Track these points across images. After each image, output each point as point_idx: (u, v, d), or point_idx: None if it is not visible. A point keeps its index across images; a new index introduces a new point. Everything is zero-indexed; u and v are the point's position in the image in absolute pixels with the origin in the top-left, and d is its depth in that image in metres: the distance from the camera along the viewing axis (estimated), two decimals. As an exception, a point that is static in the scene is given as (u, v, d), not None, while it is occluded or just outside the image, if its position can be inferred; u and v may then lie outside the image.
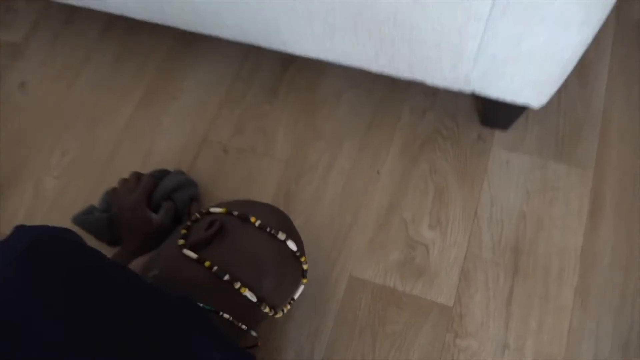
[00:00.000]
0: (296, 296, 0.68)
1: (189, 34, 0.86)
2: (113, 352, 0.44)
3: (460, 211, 0.84)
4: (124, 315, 0.46)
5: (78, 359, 0.42)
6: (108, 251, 0.72)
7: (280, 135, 0.92)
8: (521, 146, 0.88)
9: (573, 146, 0.88)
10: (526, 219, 0.83)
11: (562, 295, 0.78)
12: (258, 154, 0.90)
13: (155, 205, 0.78)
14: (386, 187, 0.87)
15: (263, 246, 0.62)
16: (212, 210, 0.66)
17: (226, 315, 0.57)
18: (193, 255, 0.59)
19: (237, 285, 0.58)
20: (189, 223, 0.65)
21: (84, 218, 0.77)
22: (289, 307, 0.67)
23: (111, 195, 0.80)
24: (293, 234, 0.66)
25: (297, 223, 0.69)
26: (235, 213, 0.63)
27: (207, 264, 0.59)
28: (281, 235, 0.62)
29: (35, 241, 0.45)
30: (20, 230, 0.47)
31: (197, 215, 0.66)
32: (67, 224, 0.78)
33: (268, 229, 0.62)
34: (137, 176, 0.82)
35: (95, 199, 0.82)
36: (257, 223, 0.62)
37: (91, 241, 0.72)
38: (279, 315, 0.65)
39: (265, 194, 0.87)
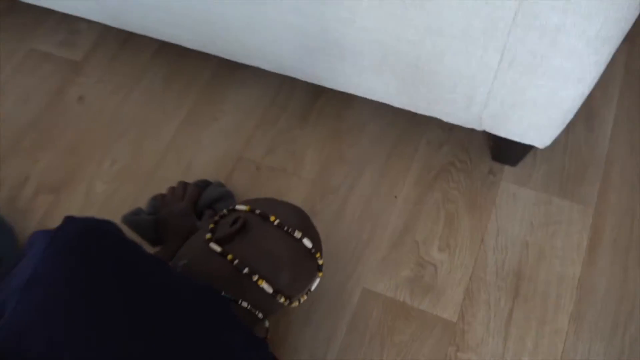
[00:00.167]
0: (313, 287, 0.73)
1: (232, 62, 0.94)
2: (155, 337, 0.51)
3: (468, 237, 0.91)
4: (163, 303, 0.53)
5: (137, 342, 0.49)
6: (149, 249, 0.79)
7: (308, 158, 0.99)
8: (528, 182, 0.95)
9: (577, 185, 0.94)
10: (529, 248, 0.89)
11: (558, 320, 0.84)
12: (287, 173, 0.98)
13: (197, 213, 0.86)
14: (402, 211, 0.94)
15: (279, 244, 0.67)
16: (238, 207, 0.71)
17: (245, 304, 0.63)
18: (217, 248, 0.65)
19: (255, 277, 0.64)
20: (217, 218, 0.71)
21: (133, 218, 0.84)
22: (305, 297, 0.73)
23: (158, 200, 0.87)
24: (310, 231, 0.70)
25: (319, 237, 0.75)
26: (257, 212, 0.69)
27: (229, 257, 0.65)
28: (297, 234, 0.67)
29: (84, 231, 0.51)
30: (70, 220, 0.52)
31: (225, 211, 0.72)
32: (116, 224, 0.86)
33: (285, 228, 0.67)
34: (184, 185, 0.89)
35: (140, 204, 0.89)
36: (276, 222, 0.67)
37: (135, 239, 0.79)
38: (295, 304, 0.71)
39: (291, 210, 0.94)
